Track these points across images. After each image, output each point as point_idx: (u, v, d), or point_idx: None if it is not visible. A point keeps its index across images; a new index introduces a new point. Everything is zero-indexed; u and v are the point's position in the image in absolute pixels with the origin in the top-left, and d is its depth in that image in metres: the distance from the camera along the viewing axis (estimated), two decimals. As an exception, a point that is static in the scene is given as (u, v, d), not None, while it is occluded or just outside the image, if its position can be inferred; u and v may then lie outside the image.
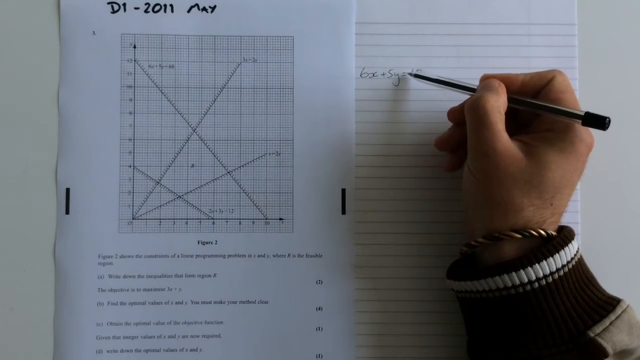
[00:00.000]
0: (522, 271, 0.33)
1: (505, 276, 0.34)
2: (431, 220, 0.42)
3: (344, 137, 0.42)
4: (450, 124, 0.40)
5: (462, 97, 0.41)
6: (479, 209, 0.36)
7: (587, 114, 0.34)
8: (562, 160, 0.35)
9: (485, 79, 0.38)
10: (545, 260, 0.33)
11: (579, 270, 0.35)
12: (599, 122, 0.34)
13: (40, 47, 0.42)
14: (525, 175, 0.34)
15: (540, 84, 0.37)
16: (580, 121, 0.34)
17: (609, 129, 0.34)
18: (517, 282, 0.33)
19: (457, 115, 0.39)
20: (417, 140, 0.42)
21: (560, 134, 0.35)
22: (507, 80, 0.37)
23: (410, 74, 0.42)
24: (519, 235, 0.34)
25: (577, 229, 0.42)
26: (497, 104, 0.35)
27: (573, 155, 0.35)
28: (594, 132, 0.35)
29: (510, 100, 0.37)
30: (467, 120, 0.36)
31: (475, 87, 0.38)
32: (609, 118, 0.34)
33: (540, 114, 0.36)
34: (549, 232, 0.35)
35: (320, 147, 0.42)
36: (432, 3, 0.43)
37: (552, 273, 0.34)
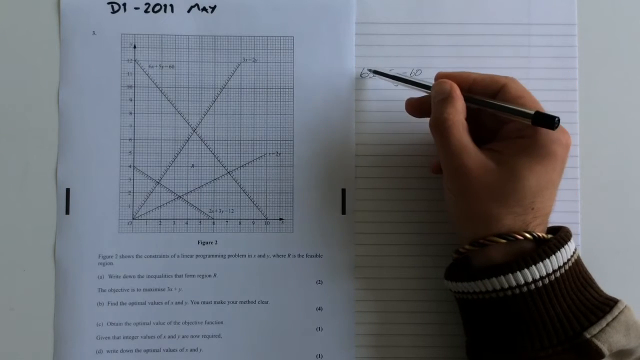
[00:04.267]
0: (518, 273, 0.33)
1: (495, 279, 0.34)
2: (431, 220, 0.42)
3: (344, 137, 0.42)
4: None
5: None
6: (461, 221, 0.36)
7: (537, 113, 0.34)
8: (537, 165, 0.34)
9: (440, 77, 0.38)
10: (541, 262, 0.33)
11: (576, 271, 0.35)
12: (548, 121, 0.33)
13: (40, 47, 0.42)
14: (499, 186, 0.34)
15: (493, 87, 0.37)
16: (530, 120, 0.34)
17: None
18: (513, 284, 0.34)
19: (415, 106, 0.40)
20: (417, 141, 0.42)
21: (531, 139, 0.35)
22: (459, 79, 0.37)
23: (370, 70, 0.42)
24: (503, 240, 0.34)
25: (577, 229, 0.42)
26: (457, 117, 0.35)
27: (548, 159, 0.34)
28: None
29: (465, 98, 0.36)
30: (434, 138, 0.36)
31: (431, 85, 0.38)
32: (558, 117, 0.33)
33: (493, 112, 0.36)
34: (535, 233, 0.35)
35: (320, 147, 0.42)
36: (432, 3, 0.43)
37: (548, 275, 0.33)
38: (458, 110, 0.36)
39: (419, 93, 0.40)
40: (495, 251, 0.35)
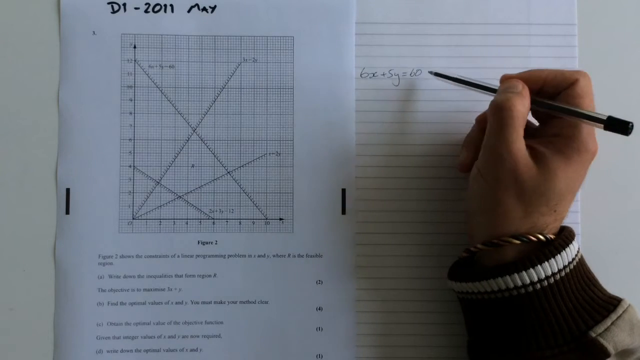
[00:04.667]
0: (523, 273, 0.33)
1: (507, 278, 0.34)
2: (431, 220, 0.42)
3: (344, 137, 0.42)
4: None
5: (466, 97, 0.41)
6: (483, 213, 0.36)
7: (610, 118, 0.33)
8: (568, 168, 0.34)
9: (506, 79, 0.37)
10: (546, 262, 0.34)
11: (580, 271, 0.35)
12: (622, 126, 0.33)
13: (40, 47, 0.42)
14: (534, 182, 0.34)
15: (563, 84, 0.36)
16: (602, 126, 0.34)
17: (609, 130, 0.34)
18: (519, 283, 0.34)
19: (472, 140, 0.39)
20: (417, 141, 0.42)
21: (567, 140, 0.35)
22: (529, 81, 0.36)
23: (431, 72, 0.42)
24: (517, 242, 0.34)
25: (577, 229, 0.42)
26: (524, 109, 0.35)
27: (578, 163, 0.35)
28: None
29: (532, 101, 0.36)
30: (489, 120, 0.35)
31: (496, 88, 0.38)
32: (632, 123, 0.33)
33: (560, 116, 0.36)
34: (547, 236, 0.35)
35: (320, 147, 0.42)
36: (432, 3, 0.43)
37: (553, 274, 0.34)
38: (526, 106, 0.35)
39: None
40: (508, 250, 0.35)
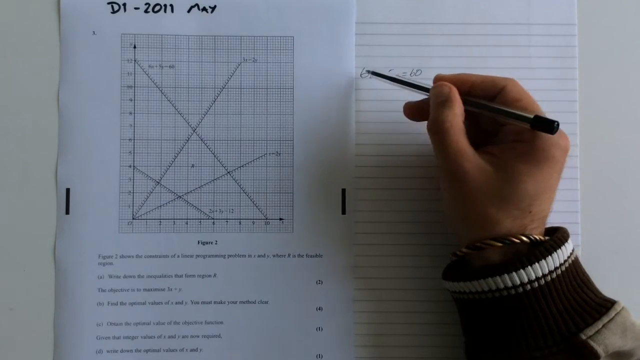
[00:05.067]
0: (513, 274, 0.33)
1: (497, 278, 0.34)
2: (430, 220, 0.42)
3: (344, 137, 0.42)
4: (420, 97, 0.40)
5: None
6: (458, 222, 0.36)
7: (536, 117, 0.34)
8: (535, 169, 0.34)
9: (438, 80, 0.38)
10: (537, 263, 0.33)
11: (573, 272, 0.35)
12: (548, 125, 0.33)
13: (40, 47, 0.42)
14: (497, 189, 0.34)
15: (493, 89, 0.36)
16: (529, 125, 0.34)
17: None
18: (509, 284, 0.34)
19: (414, 110, 0.40)
20: (417, 141, 0.42)
21: (530, 143, 0.34)
22: (458, 82, 0.37)
23: (369, 71, 0.42)
24: (499, 244, 0.34)
25: (577, 229, 0.42)
26: (455, 119, 0.35)
27: (546, 163, 0.34)
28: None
29: (464, 101, 0.36)
30: (431, 141, 0.36)
31: (430, 87, 0.38)
32: (557, 122, 0.33)
33: (490, 116, 0.36)
34: (532, 236, 0.35)
35: (320, 147, 0.42)
36: (432, 3, 0.43)
37: (544, 276, 0.34)
38: (456, 113, 0.35)
39: (417, 95, 0.40)
40: (492, 253, 0.35)
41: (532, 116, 0.34)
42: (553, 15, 0.43)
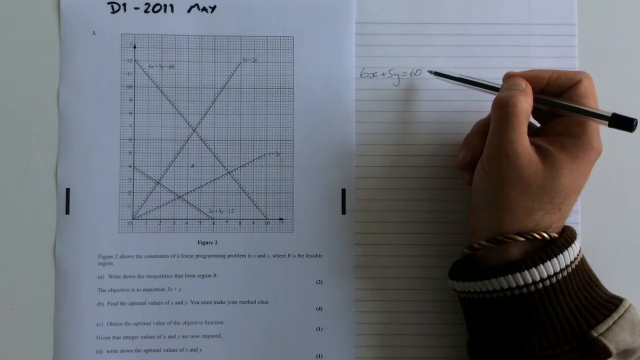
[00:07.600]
0: (526, 272, 0.33)
1: (510, 277, 0.34)
2: (431, 220, 0.42)
3: (344, 137, 0.42)
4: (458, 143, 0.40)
5: (466, 97, 0.41)
6: (488, 209, 0.36)
7: (614, 115, 0.34)
8: (574, 166, 0.35)
9: (509, 77, 0.37)
10: (549, 261, 0.34)
11: (581, 270, 0.35)
12: (627, 123, 0.33)
13: (40, 47, 0.42)
14: (539, 179, 0.34)
15: (566, 84, 0.36)
16: (607, 122, 0.34)
17: (610, 127, 0.34)
18: (522, 282, 0.34)
19: (472, 140, 0.39)
20: (417, 140, 0.42)
21: (574, 139, 0.35)
22: (532, 80, 0.37)
23: (430, 72, 0.42)
24: (522, 239, 0.34)
25: (577, 229, 0.42)
26: (527, 106, 0.35)
27: (583, 162, 0.35)
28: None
29: (535, 100, 0.36)
30: (493, 116, 0.35)
31: (499, 86, 0.38)
32: (637, 120, 0.33)
33: (564, 114, 0.36)
34: (552, 234, 0.35)
35: (320, 147, 0.42)
36: (433, 3, 0.43)
37: (555, 274, 0.34)
38: (529, 102, 0.35)
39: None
40: (513, 248, 0.35)
41: (610, 114, 0.34)
42: (553, 15, 0.43)
